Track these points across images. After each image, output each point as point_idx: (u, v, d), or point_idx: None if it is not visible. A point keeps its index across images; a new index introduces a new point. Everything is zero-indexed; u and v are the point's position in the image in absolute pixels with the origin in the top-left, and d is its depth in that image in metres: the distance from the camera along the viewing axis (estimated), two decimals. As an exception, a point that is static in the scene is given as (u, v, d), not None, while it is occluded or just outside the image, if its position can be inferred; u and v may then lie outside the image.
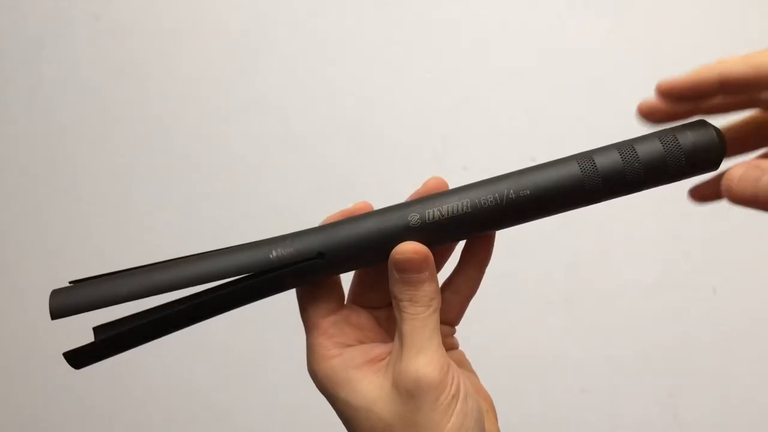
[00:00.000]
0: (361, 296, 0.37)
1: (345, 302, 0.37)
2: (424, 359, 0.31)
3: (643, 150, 0.33)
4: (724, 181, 0.32)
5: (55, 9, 0.88)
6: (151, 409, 0.90)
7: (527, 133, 0.86)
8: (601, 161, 0.33)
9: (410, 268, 0.33)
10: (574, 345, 0.88)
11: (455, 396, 0.32)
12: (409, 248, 0.33)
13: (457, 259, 0.39)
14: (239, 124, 0.88)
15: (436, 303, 0.33)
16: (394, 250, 0.33)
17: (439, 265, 0.38)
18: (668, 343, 0.87)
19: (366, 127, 0.88)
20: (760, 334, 0.87)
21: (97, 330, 0.33)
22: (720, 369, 0.87)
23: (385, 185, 0.87)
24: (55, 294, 0.32)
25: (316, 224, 0.35)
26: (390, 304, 0.37)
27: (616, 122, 0.85)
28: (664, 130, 0.34)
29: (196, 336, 0.89)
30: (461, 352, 0.40)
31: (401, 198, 0.36)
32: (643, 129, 0.35)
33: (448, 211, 0.33)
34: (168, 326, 0.33)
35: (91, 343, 0.32)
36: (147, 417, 0.90)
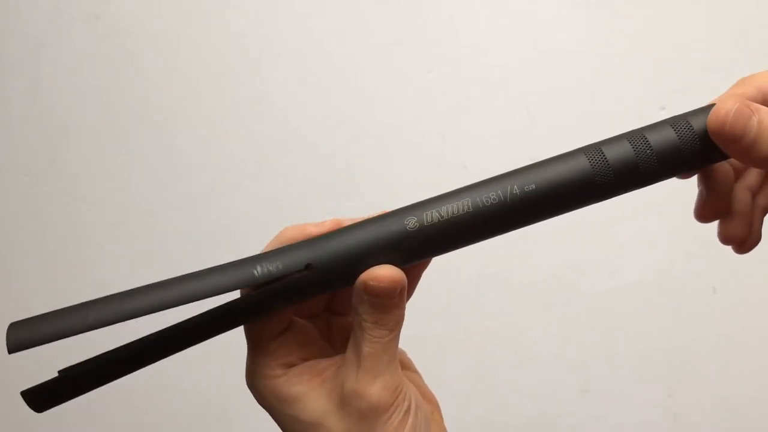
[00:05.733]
0: (303, 304, 0.35)
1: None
2: (380, 384, 0.31)
3: (655, 138, 0.31)
4: (714, 116, 0.30)
5: (55, 9, 0.88)
6: (150, 409, 0.90)
7: (527, 133, 0.86)
8: (612, 153, 0.31)
9: (383, 295, 0.31)
10: (574, 345, 0.87)
11: (407, 411, 0.31)
12: (384, 275, 0.30)
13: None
14: (239, 123, 0.88)
15: (401, 325, 0.32)
16: (366, 273, 0.30)
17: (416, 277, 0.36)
18: (668, 343, 0.87)
19: (366, 127, 0.88)
20: (760, 334, 0.87)
21: (62, 372, 0.30)
22: (720, 369, 0.87)
23: (386, 185, 0.87)
24: (14, 327, 0.28)
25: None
26: (327, 309, 0.37)
27: (617, 122, 0.86)
28: (677, 116, 0.32)
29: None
30: (402, 351, 0.39)
31: (401, 198, 0.36)
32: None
33: (447, 213, 0.31)
34: (143, 359, 0.30)
35: (54, 379, 0.29)
36: (147, 417, 0.90)
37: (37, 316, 0.29)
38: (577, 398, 0.88)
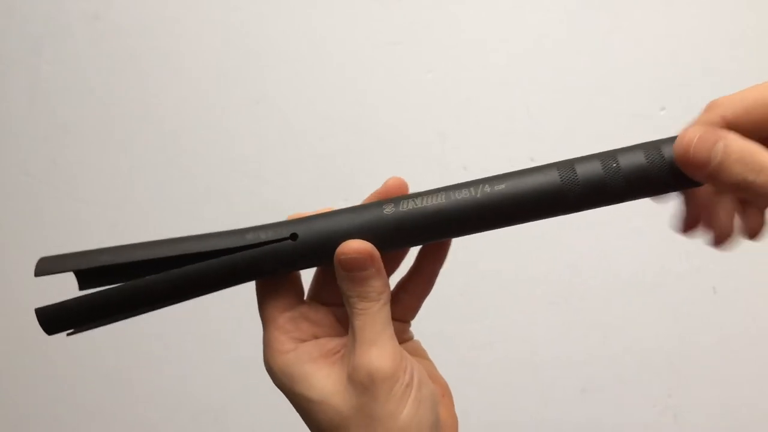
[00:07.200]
0: (320, 293, 0.37)
1: (304, 298, 0.37)
2: (376, 352, 0.32)
3: (626, 161, 0.33)
4: (679, 142, 0.30)
5: (55, 9, 0.88)
6: (150, 409, 0.90)
7: (527, 133, 0.86)
8: (582, 170, 0.33)
9: (355, 267, 0.33)
10: (574, 345, 0.88)
11: (409, 385, 0.32)
12: (352, 247, 0.32)
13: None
14: (239, 123, 0.88)
15: (386, 296, 0.34)
16: (338, 249, 0.33)
17: (392, 267, 0.38)
18: (668, 343, 0.87)
19: (366, 127, 0.88)
20: (760, 334, 0.87)
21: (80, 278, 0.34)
22: (720, 369, 0.87)
23: (385, 185, 0.87)
24: (42, 260, 0.33)
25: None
26: None
27: (616, 123, 0.86)
28: (652, 141, 0.34)
29: (197, 336, 0.89)
30: (417, 341, 0.41)
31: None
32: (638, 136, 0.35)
33: (422, 202, 0.34)
34: (146, 296, 0.33)
35: (73, 299, 0.33)
36: (147, 417, 0.90)
37: (63, 254, 0.34)
38: (576, 398, 0.88)
